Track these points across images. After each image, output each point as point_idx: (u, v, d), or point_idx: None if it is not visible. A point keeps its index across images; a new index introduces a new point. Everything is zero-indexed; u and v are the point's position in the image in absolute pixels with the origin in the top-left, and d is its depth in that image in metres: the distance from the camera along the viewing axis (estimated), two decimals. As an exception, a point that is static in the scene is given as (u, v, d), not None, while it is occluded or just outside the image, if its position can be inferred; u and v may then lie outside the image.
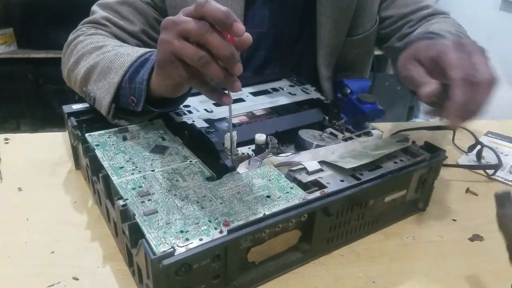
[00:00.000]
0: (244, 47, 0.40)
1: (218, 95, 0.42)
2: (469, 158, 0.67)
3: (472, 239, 0.49)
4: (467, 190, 0.58)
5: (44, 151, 0.63)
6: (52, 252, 0.44)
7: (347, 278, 0.43)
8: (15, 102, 2.07)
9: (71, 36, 0.65)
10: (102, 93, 0.52)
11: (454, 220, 0.53)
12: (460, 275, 0.44)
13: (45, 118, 2.14)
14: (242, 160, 0.49)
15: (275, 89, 0.70)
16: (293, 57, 0.77)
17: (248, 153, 0.52)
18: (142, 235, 0.35)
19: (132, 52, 0.53)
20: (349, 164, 0.45)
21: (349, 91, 0.65)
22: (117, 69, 0.52)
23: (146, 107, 0.50)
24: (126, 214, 0.38)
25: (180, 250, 0.33)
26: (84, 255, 0.44)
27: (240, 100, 0.65)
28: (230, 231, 0.35)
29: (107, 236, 0.46)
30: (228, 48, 0.38)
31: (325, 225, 0.43)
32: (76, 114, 0.55)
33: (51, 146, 0.64)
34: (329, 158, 0.47)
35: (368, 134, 0.53)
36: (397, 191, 0.48)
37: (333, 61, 0.76)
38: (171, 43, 0.40)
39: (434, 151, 0.51)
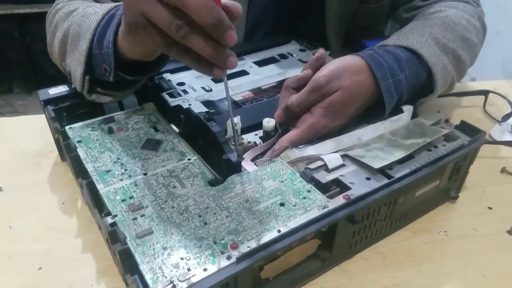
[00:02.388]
0: (233, 19, 0.31)
1: (207, 67, 0.32)
2: (503, 129, 0.59)
3: (511, 232, 0.44)
4: (503, 170, 0.52)
5: (26, 139, 0.56)
6: (40, 268, 0.39)
7: (372, 286, 0.38)
8: (4, 63, 1.96)
9: (52, 5, 0.55)
10: (75, 65, 0.44)
11: (490, 208, 0.47)
12: (498, 276, 0.39)
13: (37, 79, 2.04)
14: (248, 150, 0.42)
15: (283, 56, 0.61)
16: (299, 31, 0.67)
17: (255, 142, 0.45)
18: (135, 264, 0.30)
19: (99, 10, 0.44)
20: (377, 162, 0.38)
21: None
22: (85, 33, 0.43)
23: (118, 75, 0.42)
24: (115, 236, 0.32)
25: (181, 286, 0.28)
26: (76, 270, 0.39)
27: (243, 72, 0.57)
28: (239, 259, 0.29)
29: (100, 244, 0.41)
30: (213, 12, 0.29)
31: (348, 232, 0.37)
32: (54, 100, 0.48)
33: (34, 132, 0.57)
34: (354, 149, 0.40)
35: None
36: (430, 183, 0.41)
37: (342, 31, 0.66)
38: (142, 3, 0.31)
39: (472, 133, 0.43)
